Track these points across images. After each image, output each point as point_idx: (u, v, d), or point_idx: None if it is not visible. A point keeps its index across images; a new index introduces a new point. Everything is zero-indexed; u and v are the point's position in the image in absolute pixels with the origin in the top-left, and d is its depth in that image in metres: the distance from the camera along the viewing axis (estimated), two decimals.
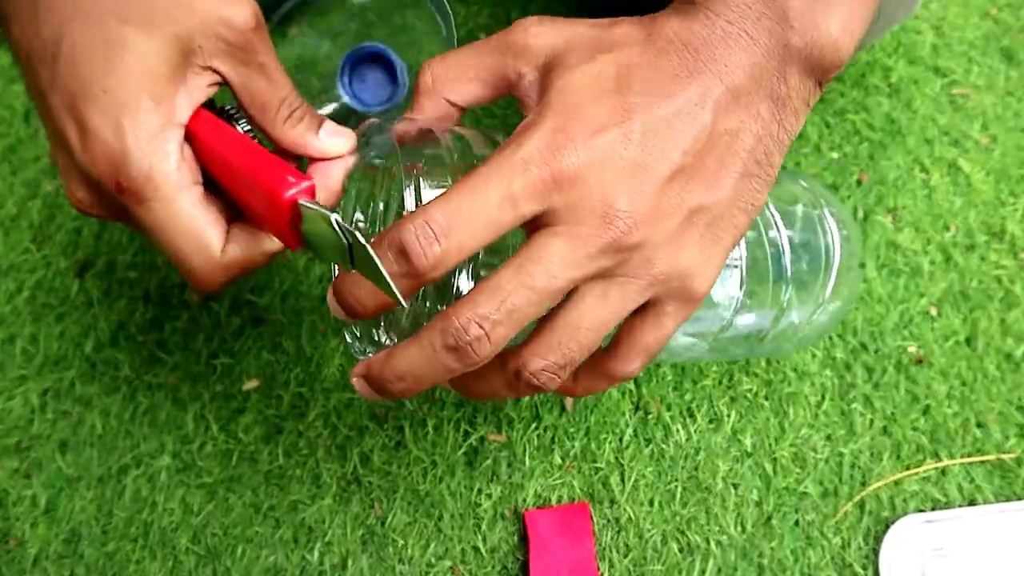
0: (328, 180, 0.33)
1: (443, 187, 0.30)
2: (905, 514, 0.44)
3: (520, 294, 0.27)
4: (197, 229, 0.30)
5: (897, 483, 0.45)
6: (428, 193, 0.30)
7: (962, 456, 0.46)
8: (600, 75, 0.28)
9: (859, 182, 0.54)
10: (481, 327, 0.27)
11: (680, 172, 0.28)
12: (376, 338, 0.34)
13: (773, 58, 0.29)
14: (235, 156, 0.30)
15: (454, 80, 0.31)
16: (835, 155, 0.55)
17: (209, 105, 0.32)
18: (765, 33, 0.28)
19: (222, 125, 0.31)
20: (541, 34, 0.30)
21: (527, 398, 0.47)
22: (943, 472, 0.45)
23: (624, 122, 0.27)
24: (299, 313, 0.49)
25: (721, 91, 0.28)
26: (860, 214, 0.52)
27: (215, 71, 0.30)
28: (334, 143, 0.33)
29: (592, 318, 0.29)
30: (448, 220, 0.26)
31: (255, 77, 0.31)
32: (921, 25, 0.59)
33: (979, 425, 0.46)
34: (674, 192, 0.28)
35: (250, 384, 0.47)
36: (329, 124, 0.33)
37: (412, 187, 0.31)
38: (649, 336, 0.30)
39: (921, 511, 0.44)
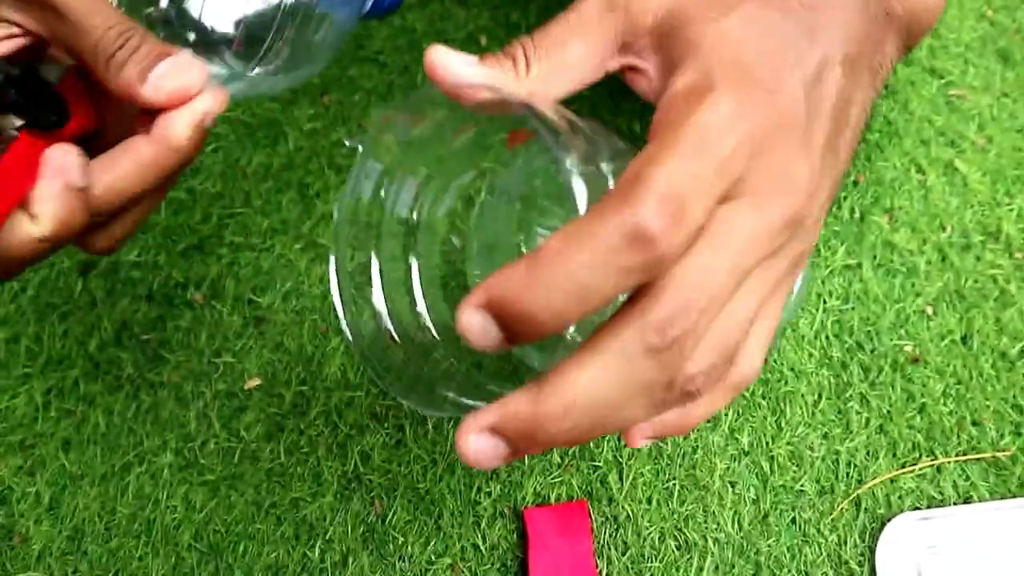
0: (172, 137, 0.27)
1: None
2: (901, 512, 0.44)
3: (718, 279, 0.22)
4: None
5: (893, 481, 0.45)
6: None
7: (957, 454, 0.46)
8: (745, 30, 0.25)
9: (855, 183, 0.54)
10: (689, 317, 0.21)
11: (829, 140, 0.26)
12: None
13: (877, 25, 0.28)
14: None
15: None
16: None
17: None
18: (874, 0, 0.28)
19: None
20: None
21: None
22: (938, 470, 0.46)
23: (789, 81, 0.25)
24: (301, 313, 0.50)
25: (841, 56, 0.26)
26: (857, 214, 0.53)
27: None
28: (171, 84, 0.26)
29: (749, 303, 0.24)
30: (680, 193, 0.21)
31: (51, 19, 0.25)
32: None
33: (974, 423, 0.47)
34: (826, 161, 0.26)
35: (252, 383, 0.48)
36: (170, 60, 0.27)
37: None
38: (774, 318, 0.26)
39: (917, 508, 0.45)
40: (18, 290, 0.51)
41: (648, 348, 0.21)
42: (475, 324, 0.20)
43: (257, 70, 0.36)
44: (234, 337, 0.49)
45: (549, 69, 0.27)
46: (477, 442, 0.21)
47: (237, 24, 0.34)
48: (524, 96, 0.25)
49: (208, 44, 0.34)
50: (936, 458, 0.46)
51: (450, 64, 0.26)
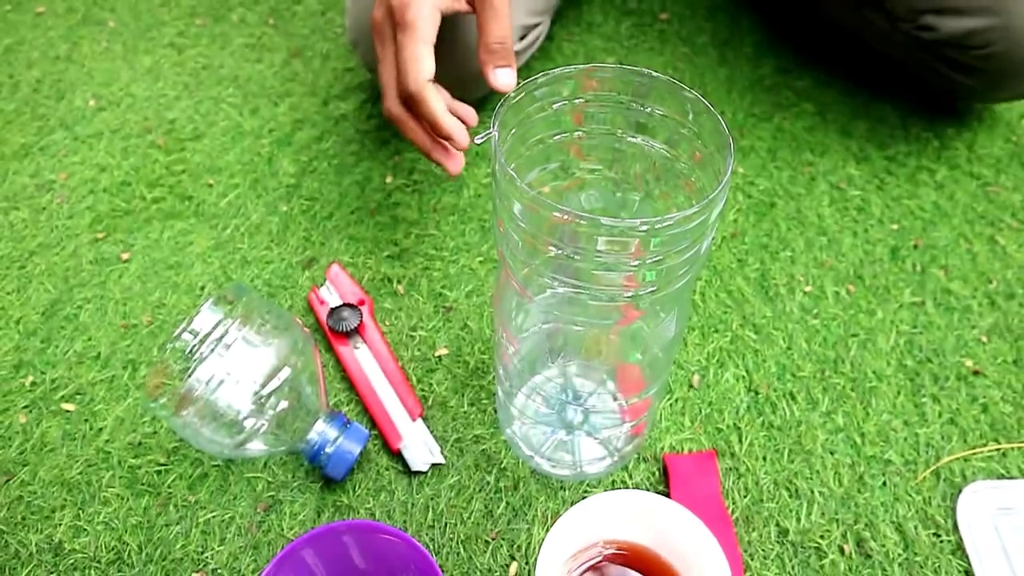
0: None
1: None
2: (975, 480, 0.54)
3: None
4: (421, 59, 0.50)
5: (966, 460, 0.55)
6: None
7: (1020, 443, 0.56)
8: None
9: (915, 246, 0.68)
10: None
11: None
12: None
13: None
14: None
15: None
16: (894, 227, 0.69)
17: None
18: None
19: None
20: None
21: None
22: (1004, 454, 0.56)
23: None
24: (480, 306, 0.63)
25: None
26: (919, 268, 0.66)
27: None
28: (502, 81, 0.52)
29: None
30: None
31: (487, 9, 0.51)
32: (958, 144, 0.76)
33: None
34: None
35: (441, 351, 0.60)
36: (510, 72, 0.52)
37: None
38: None
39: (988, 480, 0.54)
40: (254, 276, 0.65)
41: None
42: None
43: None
44: (427, 319, 0.62)
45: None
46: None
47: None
48: None
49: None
50: (1000, 444, 0.56)
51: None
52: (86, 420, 0.58)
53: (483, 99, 0.76)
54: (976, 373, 0.60)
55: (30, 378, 0.60)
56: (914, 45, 0.70)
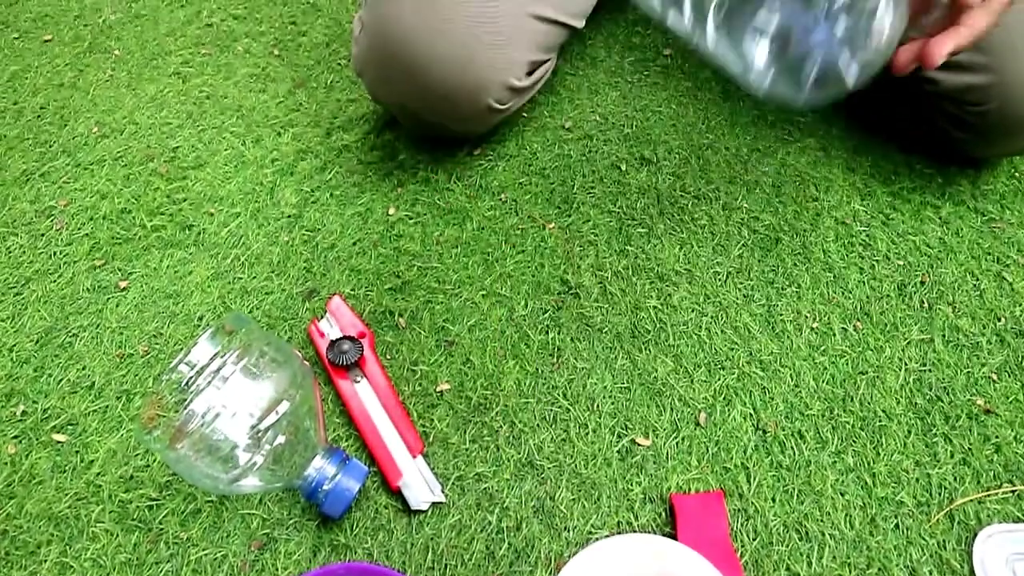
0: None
1: None
2: (991, 524, 0.52)
3: None
4: None
5: (980, 502, 0.54)
6: None
7: None
8: None
9: (922, 282, 0.67)
10: None
11: None
12: None
13: None
14: None
15: None
16: (901, 263, 0.69)
17: None
18: None
19: None
20: None
21: (668, 413, 0.58)
22: (1019, 496, 0.54)
23: None
24: (483, 341, 0.62)
25: None
26: (926, 304, 0.65)
27: None
28: None
29: None
30: None
31: None
32: (961, 181, 0.76)
33: None
34: None
35: (443, 386, 0.59)
36: None
37: None
38: None
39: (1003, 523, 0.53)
40: (254, 306, 0.64)
41: None
42: None
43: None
44: (428, 353, 0.61)
45: None
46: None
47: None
48: None
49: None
50: (1015, 485, 0.55)
51: None
52: (77, 452, 0.56)
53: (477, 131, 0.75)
54: (988, 412, 0.59)
55: (21, 407, 0.59)
56: (915, 97, 0.71)
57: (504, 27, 0.64)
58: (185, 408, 0.45)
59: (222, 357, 0.47)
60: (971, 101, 0.66)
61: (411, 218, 0.71)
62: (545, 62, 0.71)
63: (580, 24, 0.73)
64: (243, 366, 0.47)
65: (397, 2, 0.62)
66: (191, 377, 0.46)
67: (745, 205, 0.73)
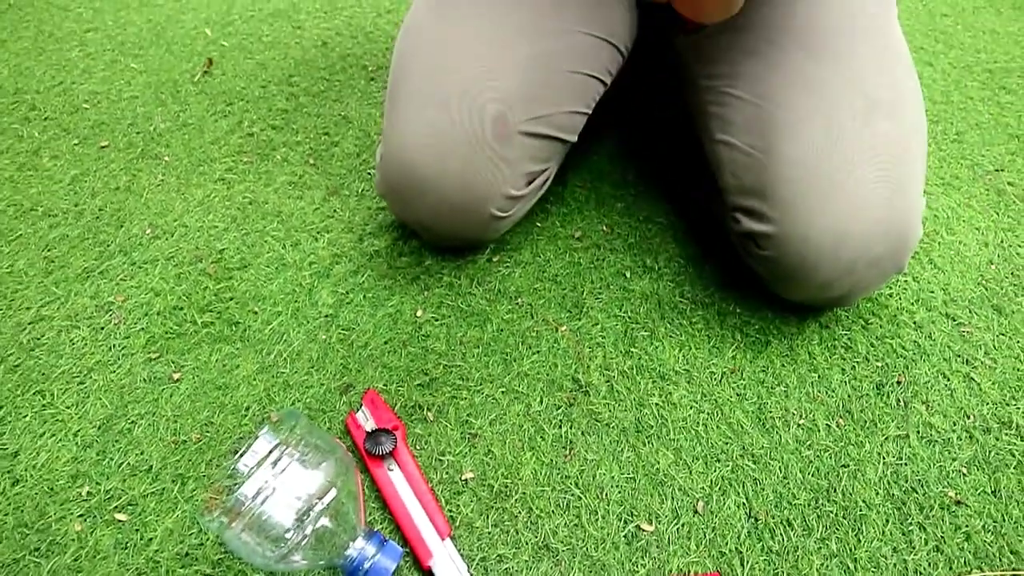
0: None
1: None
2: None
3: None
4: None
5: None
6: None
7: (1002, 570, 0.61)
8: None
9: (899, 382, 0.75)
10: None
11: None
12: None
13: None
14: None
15: None
16: (879, 364, 0.76)
17: None
18: None
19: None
20: None
21: (669, 501, 0.64)
22: None
23: None
24: (503, 434, 0.69)
25: None
26: (902, 403, 0.73)
27: None
28: None
29: None
30: None
31: None
32: (934, 288, 0.84)
33: (1012, 552, 0.62)
34: None
35: (467, 475, 0.66)
36: None
37: None
38: None
39: None
40: (294, 400, 0.71)
41: None
42: None
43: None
44: (454, 445, 0.68)
45: None
46: None
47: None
48: None
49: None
50: (984, 572, 0.61)
51: None
52: (137, 530, 0.62)
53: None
54: (958, 503, 0.65)
55: (86, 488, 0.65)
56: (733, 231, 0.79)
57: (500, 146, 0.73)
58: (241, 492, 0.52)
59: (279, 450, 0.54)
60: (760, 246, 0.73)
61: (437, 319, 0.79)
62: (543, 171, 0.80)
63: (573, 138, 0.80)
64: (297, 458, 0.54)
65: (405, 135, 0.72)
66: (252, 468, 0.53)
67: (738, 310, 0.81)
